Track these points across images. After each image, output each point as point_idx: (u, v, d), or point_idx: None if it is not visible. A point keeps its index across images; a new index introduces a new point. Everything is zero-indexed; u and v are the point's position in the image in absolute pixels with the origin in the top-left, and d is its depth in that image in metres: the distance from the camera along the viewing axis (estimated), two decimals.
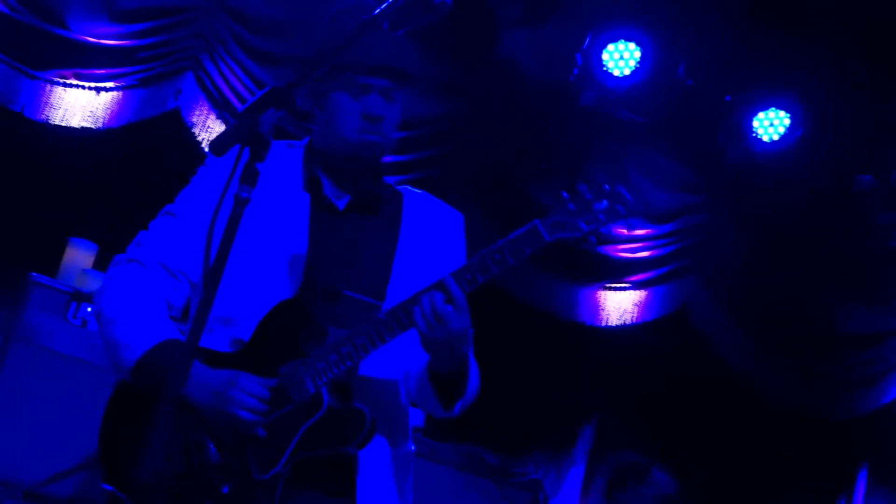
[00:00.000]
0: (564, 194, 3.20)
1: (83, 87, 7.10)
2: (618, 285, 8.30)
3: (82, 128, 7.07)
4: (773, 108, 8.03)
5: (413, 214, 3.64)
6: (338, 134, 3.50)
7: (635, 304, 8.28)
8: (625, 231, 8.20)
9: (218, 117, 7.29)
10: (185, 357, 2.87)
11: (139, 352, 3.28)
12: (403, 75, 3.55)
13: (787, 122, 8.02)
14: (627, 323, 8.25)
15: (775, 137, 8.05)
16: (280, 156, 3.58)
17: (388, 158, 7.56)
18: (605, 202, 3.18)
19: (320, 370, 3.25)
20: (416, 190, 3.73)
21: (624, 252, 8.30)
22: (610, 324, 8.23)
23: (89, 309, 5.47)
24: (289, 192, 3.52)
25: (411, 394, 3.53)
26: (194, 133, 7.26)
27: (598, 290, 8.27)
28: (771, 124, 8.04)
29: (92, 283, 5.75)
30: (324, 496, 3.35)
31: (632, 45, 7.81)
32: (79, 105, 7.08)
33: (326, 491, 3.36)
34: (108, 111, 7.13)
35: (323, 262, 3.42)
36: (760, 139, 8.06)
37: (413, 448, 3.62)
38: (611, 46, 7.83)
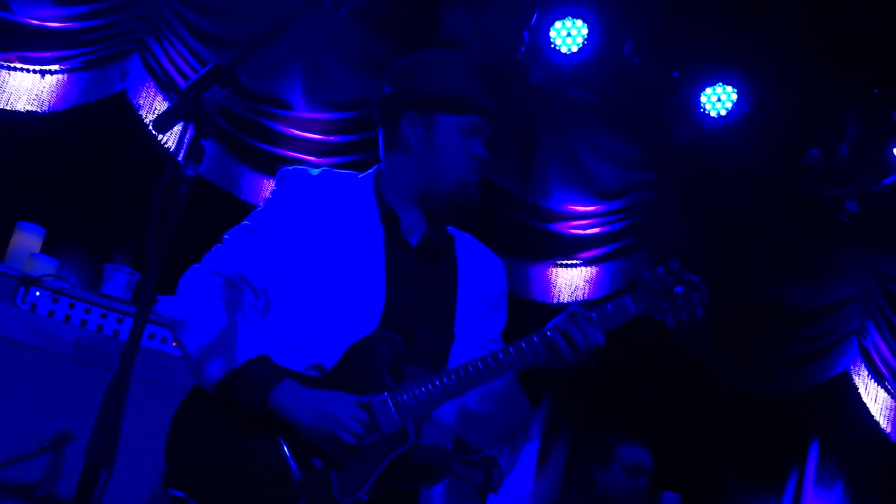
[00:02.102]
0: (647, 274, 3.55)
1: (28, 71, 7.04)
2: (569, 262, 8.33)
3: (28, 111, 7.01)
4: (721, 84, 8.07)
5: (466, 258, 3.76)
6: (445, 170, 3.60)
7: (586, 281, 8.32)
8: (581, 208, 8.23)
9: (165, 98, 7.24)
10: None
11: (231, 366, 3.33)
12: (496, 123, 3.70)
13: (734, 97, 8.07)
14: (579, 299, 8.27)
15: (723, 113, 8.09)
16: (350, 185, 3.65)
17: (339, 138, 7.59)
18: (682, 287, 3.56)
19: (410, 407, 3.39)
20: (462, 232, 3.84)
21: (574, 229, 8.33)
22: (562, 300, 8.26)
23: (37, 293, 5.43)
24: (364, 224, 3.58)
25: (466, 424, 3.68)
26: (141, 115, 7.21)
27: (549, 267, 8.30)
28: (718, 100, 8.08)
29: (39, 268, 5.70)
30: None
31: (579, 22, 7.82)
32: (24, 88, 7.01)
33: None
34: (54, 94, 7.08)
35: (399, 300, 3.51)
36: (708, 115, 8.10)
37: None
38: (558, 24, 7.83)
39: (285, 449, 3.34)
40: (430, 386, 3.41)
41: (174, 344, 5.48)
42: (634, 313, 3.51)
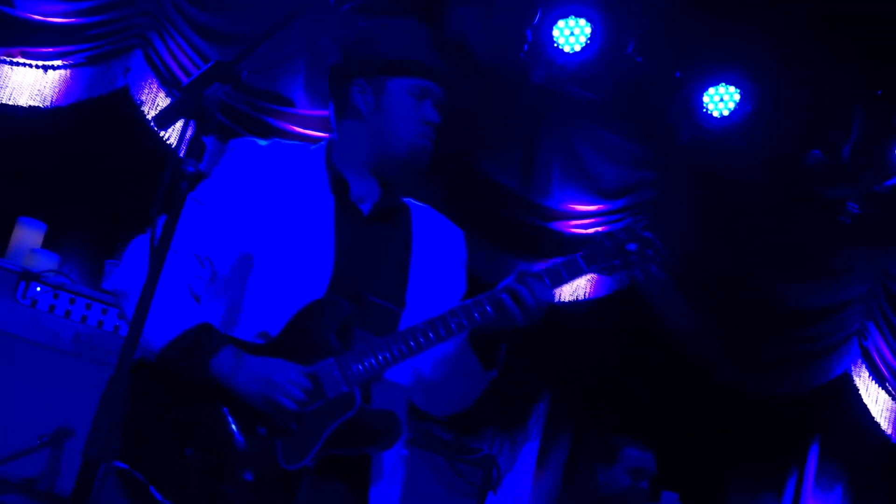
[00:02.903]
0: (598, 233, 3.43)
1: (30, 66, 7.04)
2: None
3: (30, 107, 7.01)
4: (724, 84, 8.07)
5: (421, 227, 3.70)
6: (395, 134, 3.55)
7: (588, 280, 8.30)
8: (580, 207, 8.24)
9: (167, 95, 7.24)
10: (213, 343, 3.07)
11: (172, 334, 3.27)
12: (450, 88, 3.64)
13: (737, 97, 8.06)
14: (580, 299, 8.27)
15: (725, 113, 8.09)
16: (301, 156, 3.61)
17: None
18: (635, 244, 3.49)
19: (356, 371, 3.32)
20: (419, 203, 3.79)
21: (576, 228, 8.32)
22: (563, 300, 8.26)
23: (38, 289, 5.43)
24: (314, 193, 3.54)
25: (422, 391, 3.62)
26: (143, 111, 7.21)
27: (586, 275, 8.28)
28: (721, 99, 8.08)
29: (40, 263, 5.71)
30: (340, 491, 3.40)
31: (582, 21, 7.82)
32: (26, 84, 7.01)
33: (343, 486, 3.40)
34: (56, 90, 7.08)
35: (349, 266, 3.45)
36: (711, 114, 8.10)
37: (406, 452, 3.70)
38: (561, 23, 7.84)
39: (229, 417, 3.28)
40: (377, 350, 3.34)
41: (118, 316, 5.43)
42: (586, 270, 3.46)
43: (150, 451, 3.22)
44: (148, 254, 3.33)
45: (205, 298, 3.44)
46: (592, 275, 3.46)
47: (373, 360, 3.33)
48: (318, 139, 7.64)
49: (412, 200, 3.76)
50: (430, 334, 3.36)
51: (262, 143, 3.59)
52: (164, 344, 3.27)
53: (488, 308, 3.39)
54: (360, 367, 3.33)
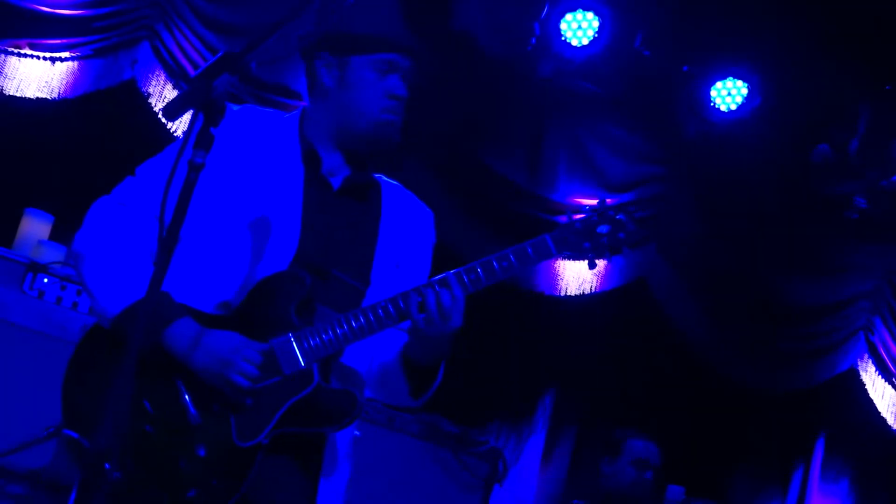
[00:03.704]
0: (572, 215, 3.42)
1: (38, 58, 7.04)
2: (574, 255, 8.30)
3: (38, 98, 7.01)
4: (731, 78, 8.07)
5: (391, 205, 3.66)
6: (359, 109, 3.51)
7: (594, 274, 8.30)
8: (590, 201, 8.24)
9: (175, 87, 7.24)
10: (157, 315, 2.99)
11: (126, 301, 3.24)
12: (418, 60, 3.59)
13: (744, 91, 8.06)
14: (586, 293, 8.26)
15: (733, 107, 8.09)
16: (274, 123, 3.58)
17: None
18: (607, 227, 3.39)
19: (314, 347, 3.27)
20: (391, 180, 3.75)
21: None
22: (569, 293, 8.25)
23: (45, 280, 5.44)
24: (284, 163, 3.50)
25: (372, 384, 3.55)
26: (150, 103, 7.21)
27: (555, 259, 8.29)
28: (729, 94, 8.07)
29: (48, 254, 5.71)
30: (293, 469, 3.37)
31: (590, 15, 7.82)
32: (34, 75, 7.01)
33: (296, 465, 3.37)
34: (64, 81, 7.08)
35: (315, 240, 3.42)
36: (718, 109, 8.09)
37: (359, 434, 3.66)
38: (569, 16, 7.83)
39: (183, 390, 3.24)
40: (336, 327, 3.28)
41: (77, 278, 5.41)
42: (555, 253, 3.40)
43: (100, 421, 3.18)
44: (104, 212, 3.33)
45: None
46: (561, 258, 3.38)
47: (331, 336, 3.28)
48: None
49: (384, 178, 3.72)
50: (392, 310, 3.29)
51: (235, 107, 3.54)
52: (119, 311, 3.24)
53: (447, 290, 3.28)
54: (318, 341, 3.27)
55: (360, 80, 3.52)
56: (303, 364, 3.26)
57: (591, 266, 3.46)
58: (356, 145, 3.56)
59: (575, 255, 3.45)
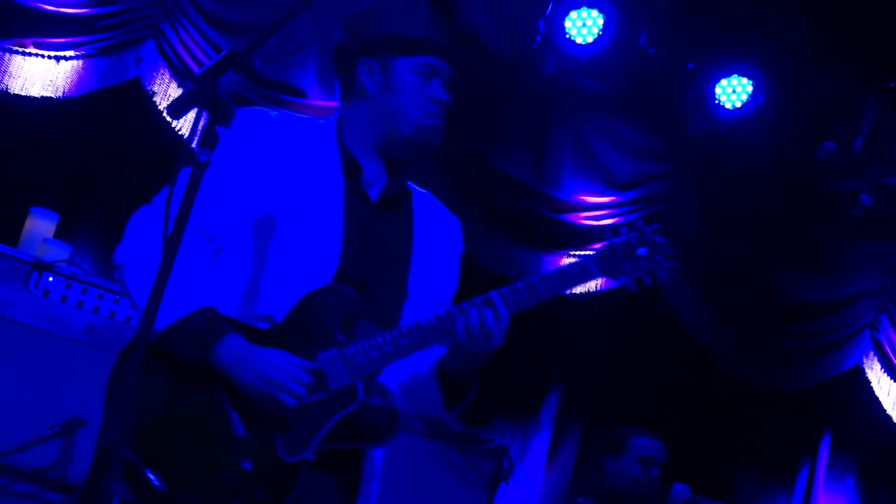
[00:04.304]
0: (610, 235, 3.42)
1: (43, 57, 7.03)
2: (581, 252, 8.30)
3: (42, 97, 7.01)
4: (736, 76, 8.05)
5: (422, 215, 3.67)
6: (404, 114, 3.51)
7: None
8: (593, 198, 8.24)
9: (179, 85, 7.24)
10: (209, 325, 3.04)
11: (173, 315, 3.23)
12: (455, 65, 3.61)
13: (749, 89, 8.05)
14: (591, 291, 8.24)
15: (738, 105, 8.08)
16: (311, 131, 3.56)
17: None
18: (645, 249, 3.43)
19: (360, 363, 3.29)
20: (420, 189, 3.75)
21: (587, 219, 8.31)
22: (574, 291, 8.24)
23: (50, 279, 5.44)
24: (324, 172, 3.50)
25: (404, 395, 3.57)
26: (155, 101, 7.21)
27: (561, 257, 8.28)
28: (734, 91, 8.06)
29: (53, 253, 5.72)
30: (333, 483, 3.39)
31: (594, 13, 7.81)
32: (39, 74, 7.01)
33: (336, 478, 3.39)
34: (69, 80, 7.08)
35: (355, 254, 3.42)
36: (723, 106, 8.08)
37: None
38: (573, 14, 7.82)
39: (229, 405, 3.25)
40: (381, 343, 3.30)
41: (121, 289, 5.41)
42: (596, 274, 3.39)
43: (145, 434, 3.17)
44: (147, 221, 3.32)
45: (207, 274, 3.39)
46: (600, 279, 3.40)
47: (376, 353, 3.30)
48: None
49: (414, 186, 3.72)
50: (437, 328, 3.31)
51: (272, 113, 3.55)
52: (165, 325, 3.22)
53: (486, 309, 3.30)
54: (364, 358, 3.29)
55: (405, 84, 3.52)
56: (348, 381, 3.28)
57: (632, 288, 3.46)
58: (399, 150, 3.57)
59: (614, 277, 3.45)
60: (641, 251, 3.44)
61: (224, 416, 3.25)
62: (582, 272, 3.41)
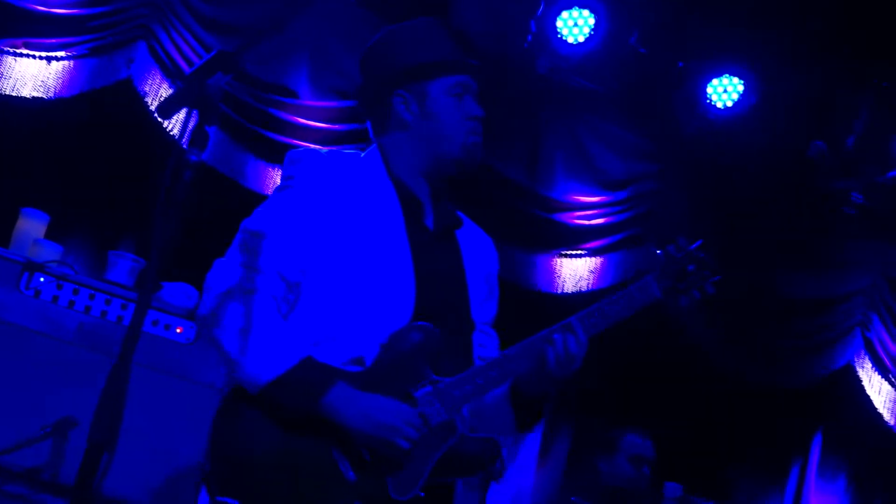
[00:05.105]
0: (661, 254, 3.61)
1: (34, 57, 7.03)
2: (573, 252, 8.32)
3: (33, 97, 7.00)
4: (727, 75, 8.06)
5: (466, 239, 3.75)
6: (448, 136, 3.61)
7: (591, 271, 8.31)
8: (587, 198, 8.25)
9: (170, 86, 7.23)
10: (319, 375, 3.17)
11: (277, 370, 3.28)
12: (481, 79, 3.75)
13: (740, 88, 8.05)
14: (583, 290, 8.27)
15: (729, 104, 8.08)
16: (360, 166, 3.61)
17: (345, 127, 7.58)
18: (693, 266, 3.61)
19: (456, 398, 3.39)
20: (458, 211, 3.82)
21: (579, 219, 8.32)
22: (566, 290, 8.26)
23: (42, 279, 5.43)
24: (382, 207, 3.55)
25: (474, 417, 3.64)
26: (147, 102, 7.20)
27: (553, 257, 8.29)
28: (725, 91, 8.07)
29: (44, 254, 5.71)
30: None
31: (585, 12, 7.81)
32: (30, 74, 7.01)
33: None
34: (60, 81, 7.07)
35: (427, 286, 3.49)
36: (714, 106, 8.09)
37: None
38: (565, 13, 7.82)
39: (337, 450, 3.31)
40: (473, 376, 3.40)
41: (195, 335, 5.45)
42: (658, 295, 3.58)
43: (258, 484, 3.25)
44: (227, 274, 3.34)
45: (291, 320, 3.43)
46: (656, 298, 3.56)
47: (470, 387, 3.40)
48: (322, 130, 7.67)
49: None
50: (524, 360, 3.42)
51: (323, 152, 3.60)
52: (269, 379, 3.28)
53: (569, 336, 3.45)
54: (460, 393, 3.39)
55: (442, 108, 3.62)
56: (447, 416, 3.37)
57: (683, 303, 3.65)
58: (448, 172, 3.66)
59: (673, 295, 3.64)
60: (690, 268, 3.60)
61: (333, 462, 3.31)
62: (646, 293, 3.58)
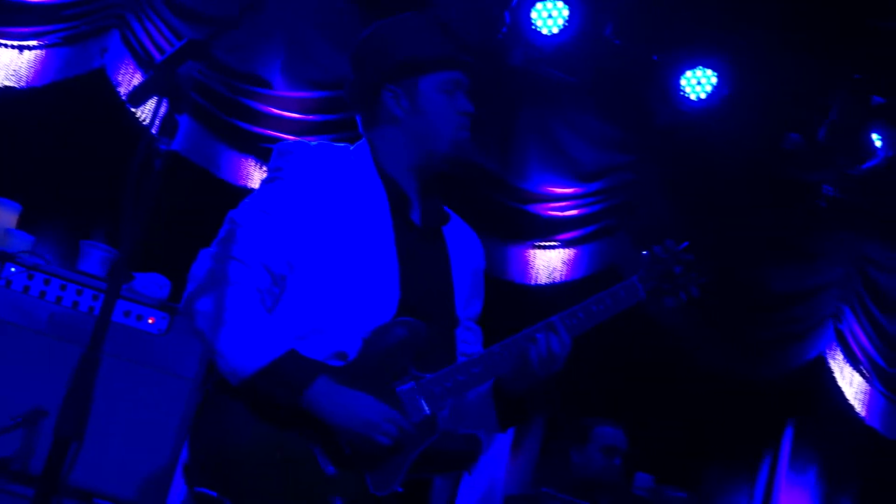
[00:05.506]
0: (647, 255, 3.60)
1: (6, 46, 6.99)
2: (547, 244, 8.33)
3: (5, 87, 6.96)
4: (701, 67, 8.08)
5: (452, 235, 3.74)
6: (437, 132, 3.59)
7: (564, 263, 8.32)
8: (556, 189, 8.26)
9: (144, 75, 7.20)
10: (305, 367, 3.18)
11: (260, 361, 3.27)
12: (474, 75, 3.70)
13: (714, 80, 8.07)
14: (556, 281, 8.28)
15: (703, 96, 8.10)
16: (349, 159, 3.60)
17: (320, 117, 7.57)
18: (680, 267, 3.61)
19: (437, 394, 3.39)
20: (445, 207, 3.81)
21: (553, 211, 8.33)
22: (539, 282, 8.27)
23: (13, 269, 5.41)
24: (370, 202, 3.54)
25: (457, 415, 3.64)
26: (120, 91, 7.17)
27: (527, 248, 8.30)
28: (698, 83, 8.09)
29: (15, 243, 5.68)
30: None
31: (560, 4, 7.82)
32: (1, 64, 6.96)
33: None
34: (32, 70, 7.03)
35: (412, 282, 3.48)
36: (688, 98, 8.11)
37: None
38: (539, 5, 7.83)
39: (317, 443, 3.31)
40: (455, 373, 3.40)
41: (166, 326, 5.44)
42: (643, 296, 3.57)
43: (238, 477, 3.25)
44: (213, 265, 3.34)
45: (275, 315, 3.42)
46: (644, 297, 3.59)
47: (451, 384, 3.40)
48: (297, 120, 7.64)
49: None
50: (507, 356, 3.44)
51: (312, 144, 3.59)
52: (252, 371, 3.27)
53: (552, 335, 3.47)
54: (441, 389, 3.39)
55: (433, 103, 3.59)
56: (428, 412, 3.37)
57: (670, 304, 3.64)
58: (436, 168, 3.64)
59: (659, 296, 3.63)
60: (677, 269, 3.61)
61: (313, 456, 3.31)
62: (631, 293, 3.57)
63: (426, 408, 3.36)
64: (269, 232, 3.40)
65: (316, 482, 3.27)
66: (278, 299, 3.43)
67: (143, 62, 7.24)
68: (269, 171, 3.57)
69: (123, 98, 7.15)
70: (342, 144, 3.69)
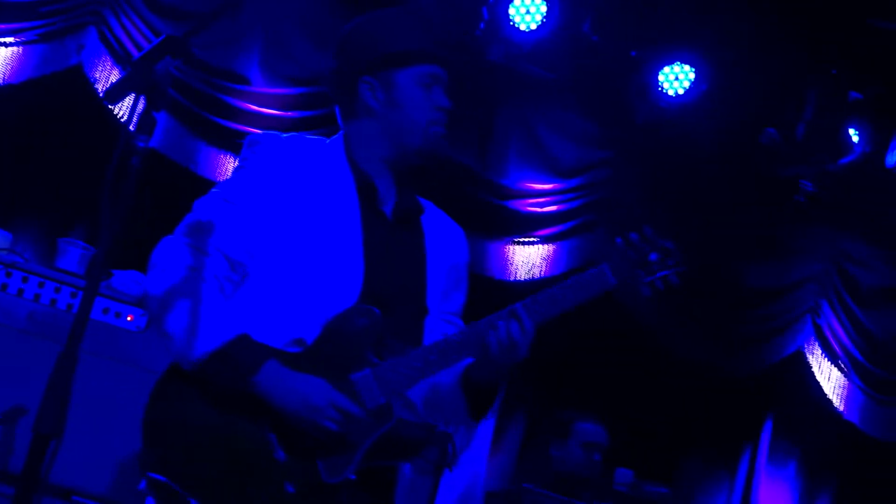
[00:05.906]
0: (620, 241, 3.49)
1: None
2: (526, 240, 8.34)
3: None
4: (678, 63, 8.09)
5: (431, 227, 3.72)
6: (411, 126, 3.57)
7: (543, 259, 8.33)
8: (537, 186, 8.26)
9: (121, 72, 7.18)
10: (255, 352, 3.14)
11: (210, 345, 3.27)
12: (452, 70, 3.68)
13: (692, 76, 8.09)
14: (536, 277, 8.29)
15: (680, 92, 8.12)
16: (321, 151, 3.60)
17: (298, 114, 7.56)
18: (656, 255, 3.51)
19: (393, 381, 3.34)
20: (424, 199, 3.79)
21: (532, 207, 8.34)
22: (518, 278, 8.27)
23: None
24: (338, 193, 3.54)
25: (426, 406, 3.61)
26: (97, 88, 7.15)
27: (506, 244, 8.31)
28: (676, 78, 8.10)
29: None
30: (370, 501, 3.43)
31: (538, 0, 7.82)
32: None
33: (374, 497, 3.44)
34: (8, 67, 7.00)
35: (377, 272, 3.46)
36: (666, 93, 8.13)
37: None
38: (517, 1, 7.83)
39: (269, 430, 3.30)
40: (412, 360, 3.37)
41: (145, 324, 5.44)
42: (613, 283, 3.47)
43: (189, 462, 3.25)
44: (172, 251, 3.34)
45: (234, 302, 3.42)
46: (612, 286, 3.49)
47: (407, 371, 3.36)
48: (275, 117, 7.62)
49: (419, 198, 3.77)
50: (466, 344, 3.38)
51: (284, 136, 3.59)
52: (201, 354, 3.27)
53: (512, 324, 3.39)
54: (396, 376, 3.35)
55: (409, 97, 3.58)
56: (383, 399, 3.33)
57: (646, 293, 3.54)
58: (409, 161, 3.63)
59: (631, 283, 3.52)
60: (653, 257, 3.52)
61: (265, 441, 3.30)
62: (599, 280, 3.46)
63: (380, 395, 3.33)
64: (228, 219, 3.40)
65: (267, 468, 3.26)
66: (238, 286, 3.43)
67: (120, 59, 7.22)
68: (238, 160, 3.59)
69: (101, 95, 7.13)
70: (317, 137, 3.69)
